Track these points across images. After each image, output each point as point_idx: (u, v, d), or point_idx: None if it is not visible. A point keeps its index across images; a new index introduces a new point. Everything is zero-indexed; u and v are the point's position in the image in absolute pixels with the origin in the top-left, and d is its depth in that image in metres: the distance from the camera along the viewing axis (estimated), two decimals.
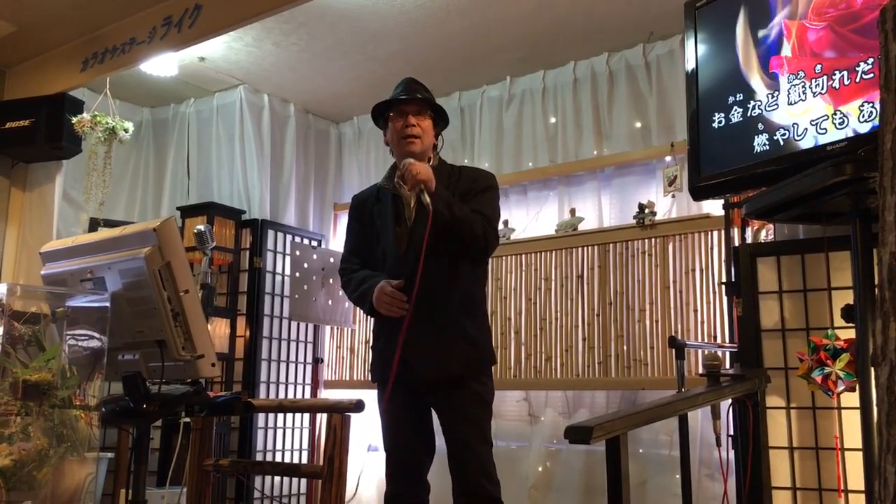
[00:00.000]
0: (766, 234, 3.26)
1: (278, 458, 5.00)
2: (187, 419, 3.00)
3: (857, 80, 2.35)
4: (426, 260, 2.51)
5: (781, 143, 2.55)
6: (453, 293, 2.56)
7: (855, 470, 2.58)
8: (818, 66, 2.47)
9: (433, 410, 2.64)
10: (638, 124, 4.45)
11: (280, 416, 5.04)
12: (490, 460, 2.52)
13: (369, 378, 2.74)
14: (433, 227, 2.45)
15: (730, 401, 2.83)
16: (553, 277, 4.39)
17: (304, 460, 5.17)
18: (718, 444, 2.83)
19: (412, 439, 2.61)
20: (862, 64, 2.35)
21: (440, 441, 2.62)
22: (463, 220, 2.47)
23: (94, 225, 4.76)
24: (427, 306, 2.52)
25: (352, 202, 2.86)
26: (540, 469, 4.40)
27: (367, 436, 4.93)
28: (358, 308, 5.22)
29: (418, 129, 2.60)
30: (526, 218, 4.77)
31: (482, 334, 2.63)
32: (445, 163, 2.73)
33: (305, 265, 5.04)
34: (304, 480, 5.06)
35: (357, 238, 2.78)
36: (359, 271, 2.71)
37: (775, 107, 2.59)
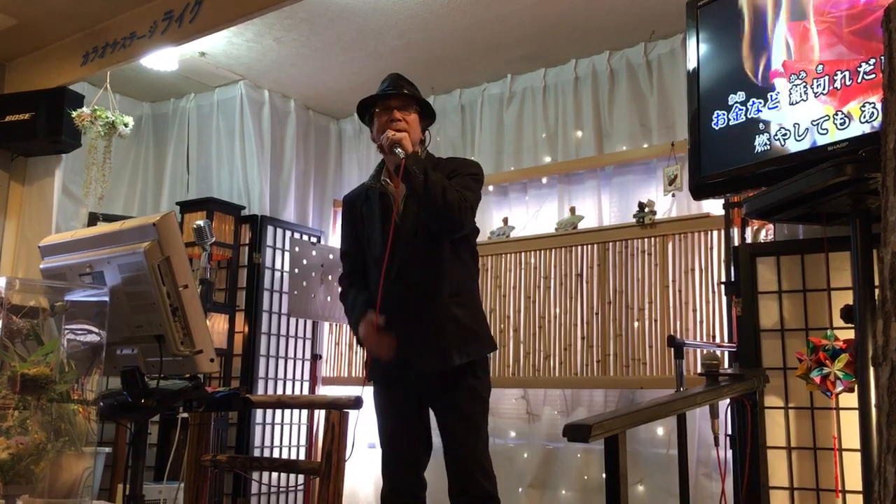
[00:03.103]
0: (766, 234, 3.26)
1: (276, 455, 5.00)
2: (185, 414, 3.00)
3: (859, 80, 2.35)
4: (411, 254, 2.51)
5: (782, 143, 2.55)
6: (442, 283, 2.53)
7: (853, 470, 2.58)
8: (819, 67, 2.47)
9: (429, 407, 2.64)
10: (639, 123, 4.45)
11: (278, 412, 5.05)
12: (486, 456, 2.51)
13: (366, 376, 2.71)
14: (406, 185, 2.43)
15: (728, 400, 2.83)
16: (552, 276, 4.39)
17: (302, 457, 5.17)
18: (717, 443, 2.83)
19: (409, 436, 2.60)
20: (864, 65, 2.35)
21: (436, 438, 2.62)
22: (436, 183, 2.40)
23: (93, 219, 4.75)
24: (417, 300, 2.52)
25: (343, 202, 2.85)
26: (538, 467, 4.41)
27: (366, 433, 4.93)
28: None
29: (403, 123, 2.56)
30: (526, 216, 4.77)
31: (478, 322, 2.60)
32: (433, 156, 2.70)
33: (305, 261, 5.04)
34: (301, 476, 5.06)
35: (349, 238, 2.76)
36: (350, 289, 2.68)
37: (776, 107, 2.58)
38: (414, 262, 2.52)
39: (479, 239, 2.91)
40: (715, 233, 3.86)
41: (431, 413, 2.63)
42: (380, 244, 2.58)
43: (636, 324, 4.05)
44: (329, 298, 5.15)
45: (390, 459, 2.62)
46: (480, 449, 2.50)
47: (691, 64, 2.93)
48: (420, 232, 2.53)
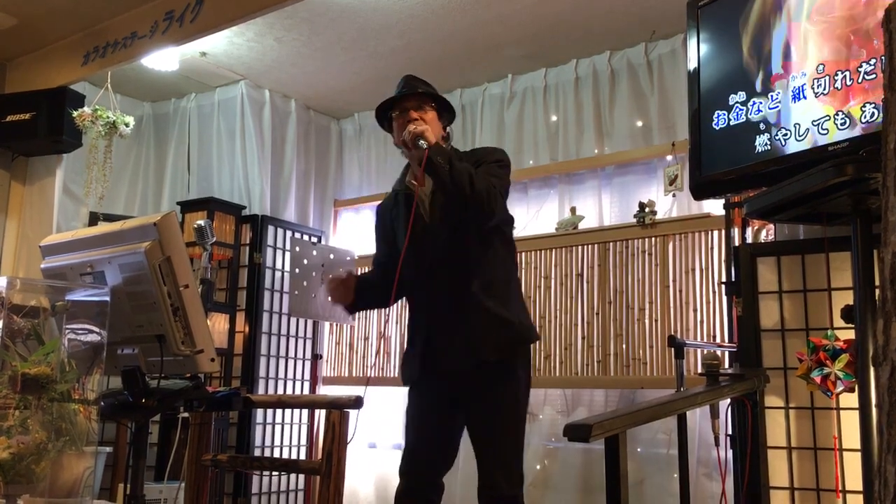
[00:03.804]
0: (767, 234, 3.26)
1: (277, 454, 5.01)
2: (186, 414, 3.00)
3: (860, 80, 2.35)
4: (439, 250, 2.48)
5: (783, 143, 2.55)
6: (472, 277, 2.48)
7: (853, 470, 2.58)
8: (820, 67, 2.47)
9: (463, 409, 2.55)
10: (639, 123, 4.45)
11: (279, 411, 5.05)
12: (512, 457, 2.43)
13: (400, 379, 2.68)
14: (432, 176, 2.41)
15: (729, 400, 2.83)
16: (553, 276, 4.39)
17: (303, 456, 5.17)
18: (717, 443, 2.83)
19: (431, 438, 2.53)
20: (864, 65, 2.35)
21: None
22: (462, 171, 2.37)
23: (93, 219, 4.75)
24: (448, 296, 2.48)
25: (375, 213, 2.82)
26: (538, 467, 4.41)
27: (367, 433, 4.94)
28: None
29: (421, 122, 2.52)
30: (526, 216, 4.77)
31: (513, 313, 2.51)
32: (457, 150, 2.66)
33: (305, 261, 5.04)
34: (302, 476, 5.06)
35: (381, 246, 2.74)
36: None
37: (777, 107, 2.58)
38: (443, 258, 2.49)
39: None
40: (715, 233, 3.86)
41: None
42: (409, 245, 2.53)
43: (637, 324, 4.05)
44: (329, 298, 5.14)
45: (408, 459, 2.55)
46: (507, 448, 2.43)
47: (692, 64, 2.93)
48: (447, 227, 2.50)
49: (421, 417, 2.57)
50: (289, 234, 5.28)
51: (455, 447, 2.57)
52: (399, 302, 4.82)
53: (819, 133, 2.44)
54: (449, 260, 2.49)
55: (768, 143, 2.60)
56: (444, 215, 2.50)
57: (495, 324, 2.46)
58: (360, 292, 2.66)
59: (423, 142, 2.41)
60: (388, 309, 5.11)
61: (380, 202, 2.83)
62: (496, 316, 2.47)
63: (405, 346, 2.68)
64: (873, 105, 2.29)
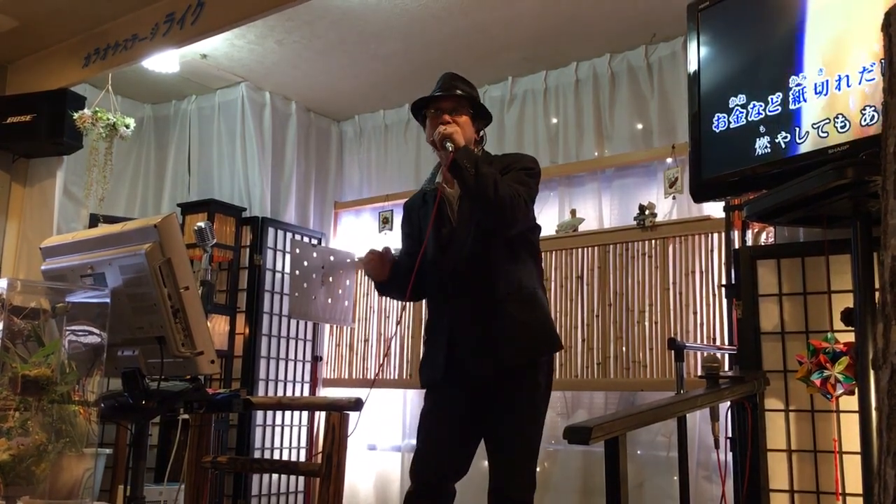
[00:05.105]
0: (767, 236, 3.27)
1: (276, 456, 5.00)
2: (186, 416, 3.00)
3: (859, 83, 2.35)
4: (465, 254, 2.47)
5: (783, 145, 2.55)
6: (498, 283, 2.47)
7: (853, 473, 2.58)
8: (820, 70, 2.47)
9: (483, 415, 2.53)
10: (639, 126, 4.45)
11: (278, 413, 5.05)
12: (526, 465, 2.43)
13: (419, 381, 2.65)
14: (456, 179, 2.40)
15: (728, 403, 2.84)
16: (553, 278, 4.39)
17: (303, 458, 5.17)
18: (717, 446, 2.83)
19: (447, 441, 2.51)
20: (864, 68, 2.35)
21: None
22: (487, 176, 2.35)
23: (94, 221, 4.76)
24: (472, 300, 2.47)
25: (403, 209, 2.81)
26: (538, 469, 4.40)
27: (367, 434, 4.94)
28: (359, 307, 5.27)
29: (453, 124, 2.51)
30: None
31: (536, 319, 2.51)
32: (489, 154, 2.65)
33: (305, 263, 5.04)
34: (302, 478, 5.06)
35: (408, 243, 2.72)
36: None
37: (777, 109, 2.59)
38: (468, 261, 2.48)
39: None
40: (715, 235, 3.86)
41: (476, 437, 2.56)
42: (433, 246, 2.54)
43: (637, 326, 4.05)
44: (329, 300, 5.15)
45: (419, 461, 2.54)
46: (521, 453, 2.43)
47: (692, 67, 2.93)
48: (474, 231, 2.49)
49: (436, 422, 2.55)
50: (289, 235, 5.29)
51: (469, 455, 2.54)
52: (399, 303, 4.85)
53: (819, 136, 2.44)
54: (474, 264, 2.48)
55: (768, 145, 2.60)
56: (471, 219, 2.50)
57: (518, 330, 2.46)
58: (393, 274, 2.61)
59: (450, 144, 2.41)
60: (387, 311, 5.14)
61: (406, 201, 2.82)
62: (520, 323, 2.46)
63: (424, 347, 2.66)
64: (873, 108, 2.30)
